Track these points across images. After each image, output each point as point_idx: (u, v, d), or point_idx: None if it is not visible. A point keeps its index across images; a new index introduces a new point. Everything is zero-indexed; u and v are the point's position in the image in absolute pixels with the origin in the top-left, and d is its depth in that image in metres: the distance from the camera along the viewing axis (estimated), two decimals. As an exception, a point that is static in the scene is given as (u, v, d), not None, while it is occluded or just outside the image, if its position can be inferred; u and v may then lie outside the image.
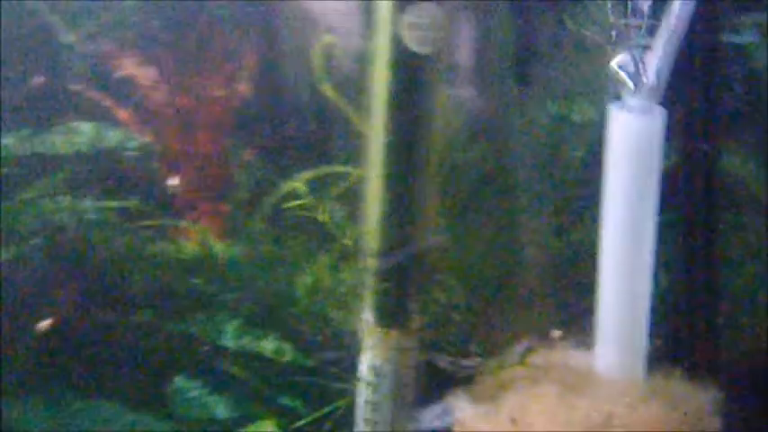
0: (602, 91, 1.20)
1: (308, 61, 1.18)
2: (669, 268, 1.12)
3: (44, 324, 1.15)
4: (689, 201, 1.12)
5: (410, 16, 0.94)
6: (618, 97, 0.93)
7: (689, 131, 1.11)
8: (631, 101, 0.91)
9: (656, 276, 1.00)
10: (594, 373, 0.97)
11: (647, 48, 0.90)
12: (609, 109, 0.91)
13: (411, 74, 0.95)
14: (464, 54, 1.23)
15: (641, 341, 0.96)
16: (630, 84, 0.91)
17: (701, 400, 0.96)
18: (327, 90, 1.17)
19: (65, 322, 1.17)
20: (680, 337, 1.10)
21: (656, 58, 0.88)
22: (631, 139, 0.91)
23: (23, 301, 1.16)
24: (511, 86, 1.23)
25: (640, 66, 0.90)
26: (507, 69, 1.23)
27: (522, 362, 1.00)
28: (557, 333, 1.09)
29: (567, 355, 1.03)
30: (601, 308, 0.97)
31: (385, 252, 0.98)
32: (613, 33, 1.00)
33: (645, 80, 0.89)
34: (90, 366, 1.16)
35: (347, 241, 1.04)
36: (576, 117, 1.23)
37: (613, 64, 0.91)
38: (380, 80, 0.96)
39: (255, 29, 1.28)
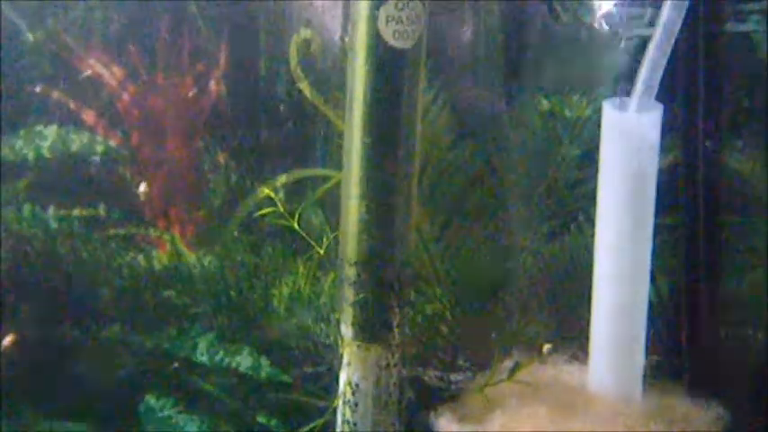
0: (598, 86, 1.15)
1: (285, 58, 1.13)
2: (669, 275, 1.06)
3: (5, 341, 1.10)
4: (691, 202, 1.06)
5: (388, 9, 0.88)
6: (612, 93, 0.87)
7: (690, 127, 1.05)
8: (626, 97, 0.84)
9: (654, 284, 0.94)
10: (588, 391, 0.91)
11: (645, 40, 0.84)
12: (602, 106, 0.85)
13: (391, 70, 0.90)
14: (450, 48, 1.17)
15: (639, 355, 0.90)
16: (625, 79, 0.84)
17: (703, 418, 0.90)
18: (305, 88, 1.12)
19: (27, 338, 1.12)
20: (680, 350, 1.04)
21: (652, 51, 0.82)
22: (626, 138, 0.84)
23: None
24: (500, 82, 1.18)
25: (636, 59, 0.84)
26: (496, 64, 1.18)
27: (510, 378, 0.94)
28: (548, 347, 1.03)
29: (559, 371, 0.97)
30: (595, 319, 0.91)
31: (364, 261, 0.93)
32: (610, 25, 0.94)
33: (640, 75, 0.82)
34: (54, 385, 1.12)
35: (323, 250, 0.98)
36: (569, 113, 1.17)
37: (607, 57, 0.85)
38: (359, 77, 0.91)
39: (228, 25, 1.23)
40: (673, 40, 0.81)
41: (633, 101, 0.83)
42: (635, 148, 0.84)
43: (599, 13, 1.10)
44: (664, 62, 0.82)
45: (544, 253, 1.15)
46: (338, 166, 1.06)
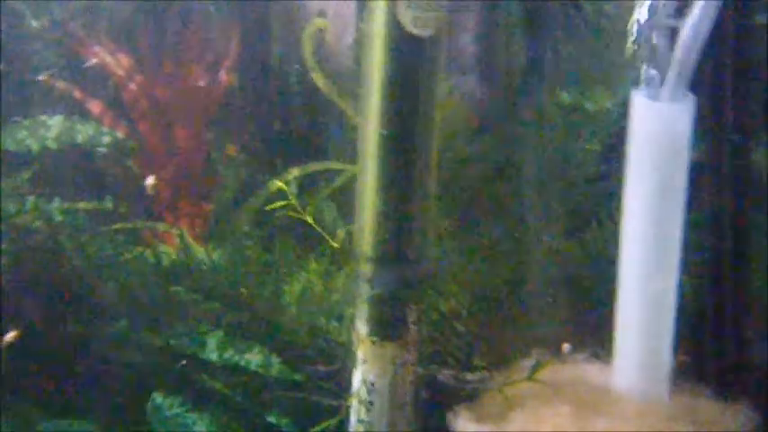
0: (620, 78, 1.12)
1: (298, 48, 1.11)
2: (694, 273, 1.03)
3: (9, 336, 1.07)
4: (716, 198, 1.03)
5: (408, -5, 0.85)
6: (641, 84, 0.84)
7: (717, 121, 1.01)
8: (657, 87, 0.81)
9: (679, 283, 0.91)
10: (613, 391, 0.88)
11: (674, 29, 0.81)
12: (632, 96, 0.82)
13: (410, 59, 0.87)
14: (469, 38, 1.15)
15: (665, 355, 0.87)
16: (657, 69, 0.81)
17: (731, 420, 0.88)
18: (318, 79, 1.10)
19: (32, 334, 1.09)
20: (707, 350, 1.01)
21: (685, 40, 0.79)
22: (657, 130, 0.82)
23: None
24: (520, 73, 1.15)
25: (667, 49, 0.81)
26: (516, 55, 1.15)
27: (531, 377, 0.91)
28: (567, 346, 1.00)
29: (580, 371, 0.94)
30: (620, 318, 0.88)
31: (380, 257, 0.90)
32: (637, 14, 0.92)
33: (672, 64, 0.79)
34: (59, 382, 1.09)
35: (338, 244, 0.95)
36: (590, 106, 1.14)
37: (637, 47, 0.82)
38: (376, 66, 0.88)
39: (240, 13, 1.20)
40: (707, 29, 0.79)
41: (665, 90, 0.80)
42: (666, 139, 0.81)
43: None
44: (697, 51, 0.79)
45: (563, 250, 1.12)
46: (352, 158, 1.03)
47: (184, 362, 1.08)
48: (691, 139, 0.83)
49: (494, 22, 1.15)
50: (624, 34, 1.09)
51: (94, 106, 1.19)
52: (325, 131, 1.18)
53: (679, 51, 0.80)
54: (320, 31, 1.09)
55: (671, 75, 0.81)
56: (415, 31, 0.87)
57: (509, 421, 0.88)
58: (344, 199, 1.12)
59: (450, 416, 0.91)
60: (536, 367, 0.92)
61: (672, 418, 0.86)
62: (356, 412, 0.92)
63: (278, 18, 1.20)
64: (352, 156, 1.00)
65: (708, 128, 1.03)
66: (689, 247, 0.98)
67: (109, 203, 1.15)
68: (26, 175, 1.14)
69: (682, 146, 0.83)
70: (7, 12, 1.15)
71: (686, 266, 0.96)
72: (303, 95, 1.19)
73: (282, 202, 0.94)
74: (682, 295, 0.91)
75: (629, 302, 0.87)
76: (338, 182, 1.13)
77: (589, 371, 0.94)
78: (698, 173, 1.01)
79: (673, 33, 0.83)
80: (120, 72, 1.18)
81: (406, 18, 0.86)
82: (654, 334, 0.87)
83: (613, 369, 0.88)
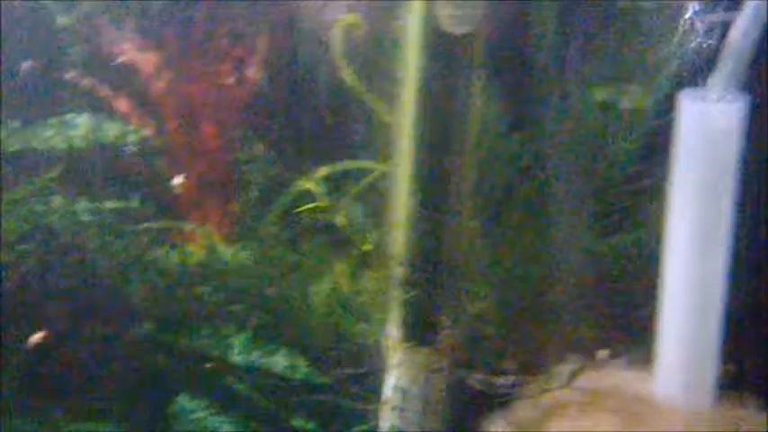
0: (657, 76, 1.09)
1: (328, 44, 1.09)
2: (735, 278, 1.00)
3: (35, 338, 1.06)
4: (758, 199, 0.99)
5: (444, -8, 0.82)
6: (687, 82, 0.81)
7: (759, 119, 0.98)
8: (706, 86, 0.78)
9: (726, 289, 0.88)
10: (655, 401, 0.85)
11: (724, 23, 0.78)
12: (680, 97, 0.79)
13: (446, 57, 0.84)
14: (500, 34, 1.12)
15: (712, 363, 0.84)
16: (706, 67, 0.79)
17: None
18: (348, 76, 1.08)
19: (57, 336, 1.08)
20: (753, 359, 0.98)
21: (737, 39, 0.76)
22: (706, 131, 0.79)
23: (12, 313, 1.08)
24: (552, 70, 1.12)
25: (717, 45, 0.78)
26: (548, 51, 1.12)
27: (569, 384, 0.88)
28: (603, 352, 0.97)
29: (619, 378, 0.91)
30: (664, 324, 0.85)
31: (414, 260, 0.88)
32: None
33: (723, 63, 0.76)
34: (85, 384, 1.07)
35: (368, 246, 0.93)
36: (625, 104, 1.11)
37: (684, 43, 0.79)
38: (411, 65, 0.86)
39: (269, 9, 1.18)
40: (761, 27, 0.75)
41: (715, 91, 0.77)
42: (716, 142, 0.78)
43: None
44: (750, 50, 0.76)
45: (596, 251, 1.09)
46: (381, 157, 1.01)
47: (210, 364, 1.06)
48: (740, 141, 0.81)
49: (527, 18, 1.12)
50: (661, 31, 1.06)
51: (122, 104, 1.18)
52: (354, 130, 1.16)
53: (731, 50, 0.77)
54: (351, 26, 1.07)
55: (721, 75, 0.78)
56: (452, 29, 0.84)
57: (548, 430, 0.86)
58: (371, 198, 1.10)
59: (485, 424, 0.89)
60: (574, 374, 0.89)
61: (717, 429, 0.83)
62: (388, 418, 0.91)
63: (307, 14, 1.18)
64: (380, 154, 0.98)
65: (750, 126, 1.00)
66: (733, 252, 0.95)
67: (135, 203, 1.14)
68: (53, 174, 1.13)
69: (731, 149, 0.80)
70: (35, 7, 1.14)
71: (731, 272, 0.93)
72: (332, 93, 1.17)
73: (311, 204, 0.92)
74: (727, 301, 0.88)
75: (673, 308, 0.84)
76: (365, 181, 1.11)
77: (628, 378, 0.92)
78: (739, 173, 0.98)
79: (723, 32, 0.80)
80: (149, 69, 1.16)
81: (444, 16, 0.84)
82: (699, 341, 0.84)
83: (656, 377, 0.86)
